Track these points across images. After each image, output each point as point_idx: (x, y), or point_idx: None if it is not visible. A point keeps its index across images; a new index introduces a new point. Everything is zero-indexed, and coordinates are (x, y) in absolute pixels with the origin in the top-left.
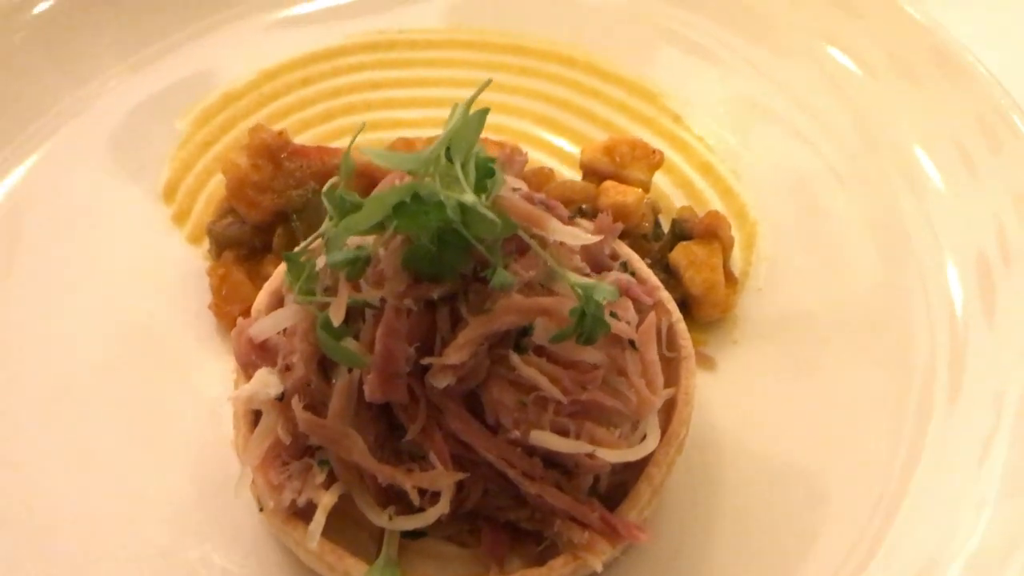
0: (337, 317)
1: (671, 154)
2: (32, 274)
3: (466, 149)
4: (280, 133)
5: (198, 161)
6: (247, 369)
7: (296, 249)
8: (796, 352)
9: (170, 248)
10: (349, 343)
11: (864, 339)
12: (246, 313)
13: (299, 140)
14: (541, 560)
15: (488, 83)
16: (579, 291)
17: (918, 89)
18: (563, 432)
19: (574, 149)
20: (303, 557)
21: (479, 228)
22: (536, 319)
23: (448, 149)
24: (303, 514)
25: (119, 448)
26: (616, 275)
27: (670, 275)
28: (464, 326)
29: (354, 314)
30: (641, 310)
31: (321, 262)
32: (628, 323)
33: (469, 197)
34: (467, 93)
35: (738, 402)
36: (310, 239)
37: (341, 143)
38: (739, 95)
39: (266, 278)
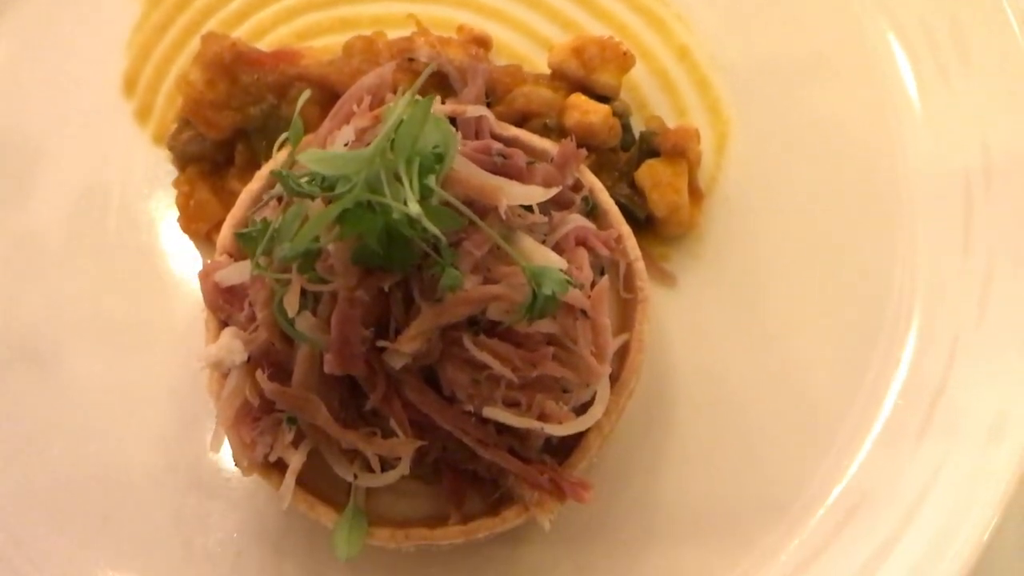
0: (292, 306)
1: (648, 34)
2: None
3: (411, 144)
4: (234, 43)
5: (156, 48)
6: (215, 312)
7: (258, 187)
8: (761, 268)
9: (136, 152)
10: (306, 318)
11: (835, 254)
12: (214, 230)
13: (263, 13)
14: (497, 505)
15: (431, 69)
16: (529, 275)
17: None
18: (515, 404)
19: (548, 27)
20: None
21: (425, 231)
22: (487, 305)
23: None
24: (279, 464)
25: (97, 364)
26: (576, 222)
27: (635, 192)
28: (417, 312)
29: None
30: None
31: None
32: (581, 285)
33: (414, 208)
34: None
35: (696, 320)
36: (271, 195)
37: (303, 20)
38: None
39: (231, 193)
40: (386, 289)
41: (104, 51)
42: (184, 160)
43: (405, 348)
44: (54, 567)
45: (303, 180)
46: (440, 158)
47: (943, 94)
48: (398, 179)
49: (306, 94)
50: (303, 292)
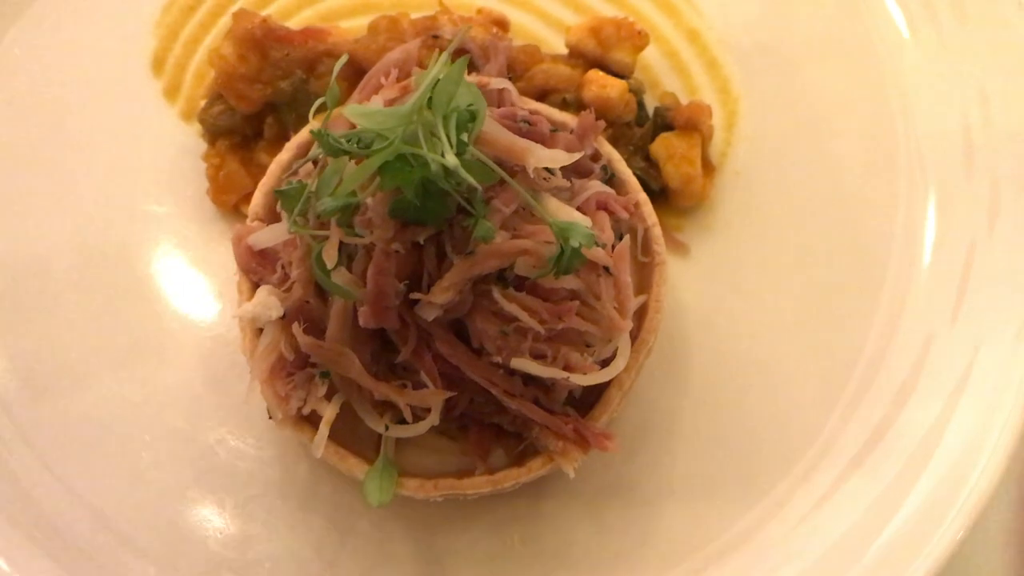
0: (331, 259)
1: (660, 18)
2: (27, 150)
3: (447, 101)
4: (264, 20)
5: (184, 28)
6: (248, 274)
7: (288, 157)
8: (770, 237)
9: (165, 128)
10: (342, 273)
11: (840, 223)
12: (243, 202)
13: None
14: (522, 457)
15: (467, 30)
16: (557, 231)
17: None
18: (541, 356)
19: (563, 11)
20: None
21: (460, 182)
22: (517, 259)
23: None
24: (310, 418)
25: (129, 333)
26: (596, 187)
27: (650, 164)
28: (449, 266)
29: (344, 246)
30: (618, 221)
31: (314, 185)
32: (603, 244)
33: (451, 160)
34: None
35: (708, 287)
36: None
37: (327, 4)
38: None
39: (259, 166)
40: (421, 242)
41: (133, 31)
42: (214, 133)
43: (438, 299)
44: (89, 520)
45: (341, 139)
46: (473, 115)
47: (939, 51)
48: (434, 135)
49: (344, 59)
50: (338, 249)
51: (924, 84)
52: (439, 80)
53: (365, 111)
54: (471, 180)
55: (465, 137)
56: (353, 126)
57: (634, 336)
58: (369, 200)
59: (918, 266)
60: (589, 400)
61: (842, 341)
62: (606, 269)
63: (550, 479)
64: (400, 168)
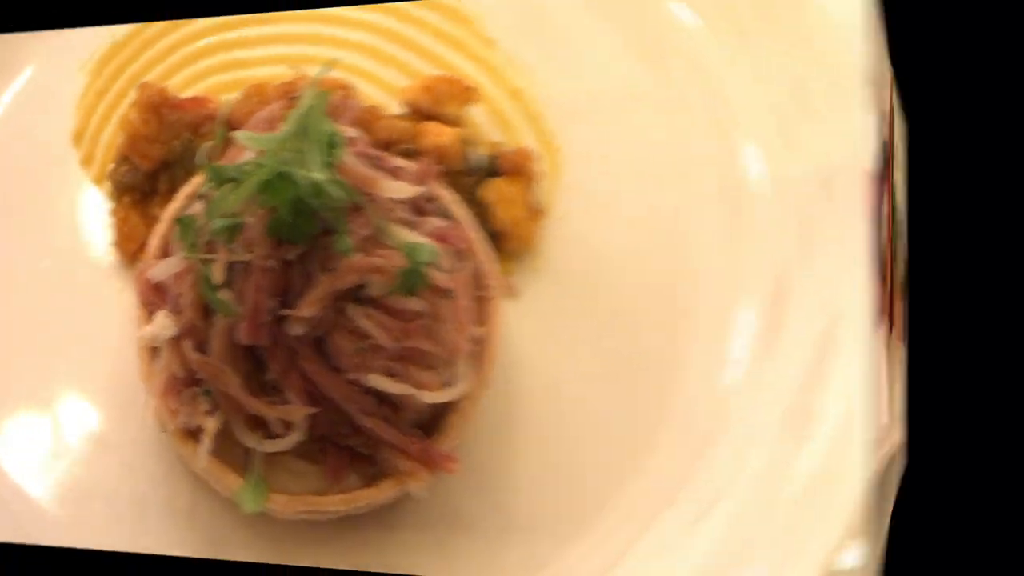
0: (218, 276)
1: (484, 80)
2: None
3: (315, 127)
4: (162, 90)
5: (97, 108)
6: (146, 307)
7: (178, 205)
8: (593, 278)
9: (81, 188)
10: (225, 293)
11: (656, 262)
12: (141, 251)
13: (177, 77)
14: (374, 480)
15: (333, 63)
16: (406, 250)
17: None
18: (392, 375)
19: (398, 77)
20: (198, 472)
21: (327, 200)
22: (371, 276)
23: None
24: (197, 435)
25: (32, 372)
26: (435, 222)
27: (481, 210)
28: (315, 283)
29: (228, 268)
30: (456, 253)
31: (202, 220)
32: (446, 271)
33: (320, 175)
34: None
35: (537, 329)
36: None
37: (213, 81)
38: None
39: (154, 218)
40: (292, 258)
41: (59, 110)
42: (120, 191)
43: (306, 312)
44: None
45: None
46: (336, 143)
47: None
48: (304, 157)
49: (225, 112)
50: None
51: (736, 123)
52: (310, 108)
53: (252, 135)
54: (339, 194)
55: (330, 160)
56: None
57: (476, 366)
58: (250, 220)
59: (733, 310)
60: (437, 425)
61: (655, 384)
62: (448, 293)
63: (402, 510)
64: (279, 186)
